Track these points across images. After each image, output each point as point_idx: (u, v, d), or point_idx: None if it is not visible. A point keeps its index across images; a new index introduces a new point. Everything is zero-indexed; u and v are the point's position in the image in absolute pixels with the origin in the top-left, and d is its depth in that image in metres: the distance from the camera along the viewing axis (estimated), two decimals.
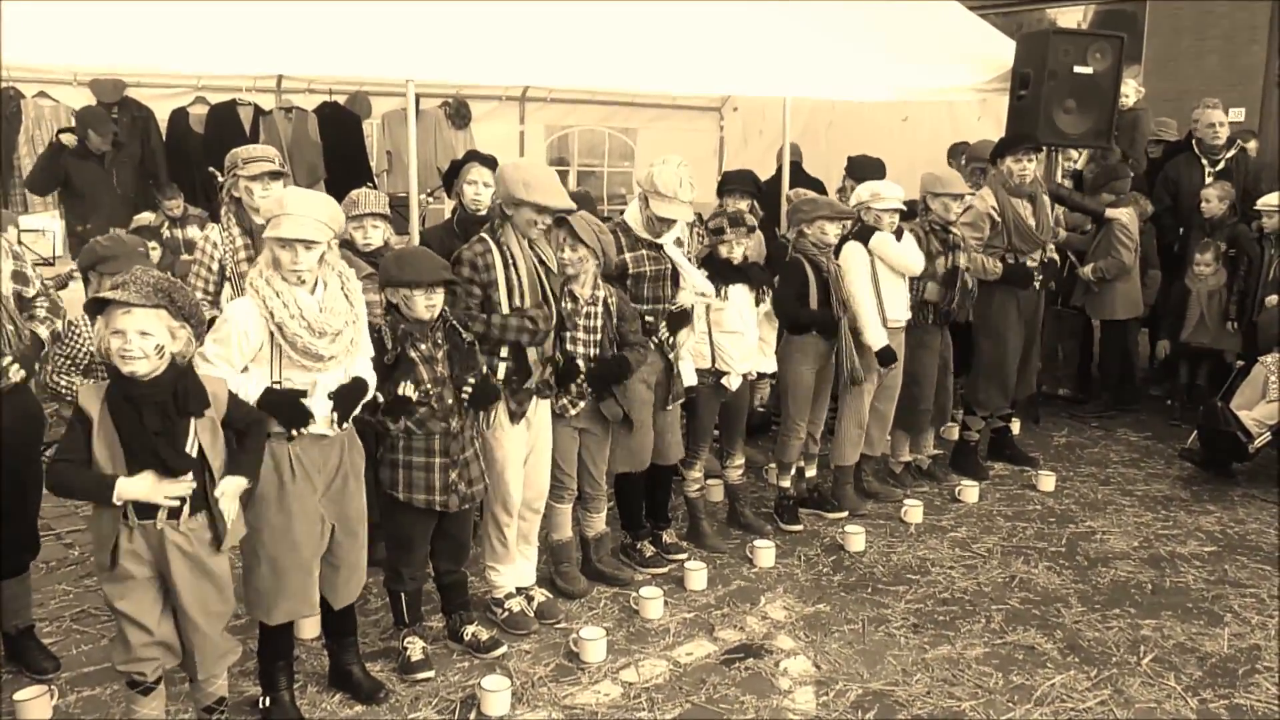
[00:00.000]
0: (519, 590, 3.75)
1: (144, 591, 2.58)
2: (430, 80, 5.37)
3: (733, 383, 4.24)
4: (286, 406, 2.78)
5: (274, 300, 2.75)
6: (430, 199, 6.66)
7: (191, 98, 7.22)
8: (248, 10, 4.57)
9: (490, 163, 4.15)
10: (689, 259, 4.15)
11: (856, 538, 4.38)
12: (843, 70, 6.05)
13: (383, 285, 3.21)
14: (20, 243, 5.49)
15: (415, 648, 3.33)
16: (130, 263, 3.39)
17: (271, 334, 2.76)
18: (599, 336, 3.69)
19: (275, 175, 3.59)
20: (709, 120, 9.40)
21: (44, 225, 5.94)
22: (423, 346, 3.17)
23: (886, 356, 4.52)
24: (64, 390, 3.77)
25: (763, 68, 5.90)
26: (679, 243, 4.14)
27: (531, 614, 3.66)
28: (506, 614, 3.61)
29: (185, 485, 2.52)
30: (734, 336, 4.20)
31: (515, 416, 3.50)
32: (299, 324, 2.76)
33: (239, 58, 4.80)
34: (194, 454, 2.55)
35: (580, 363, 3.65)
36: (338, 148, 7.68)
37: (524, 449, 3.57)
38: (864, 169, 5.86)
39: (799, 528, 4.54)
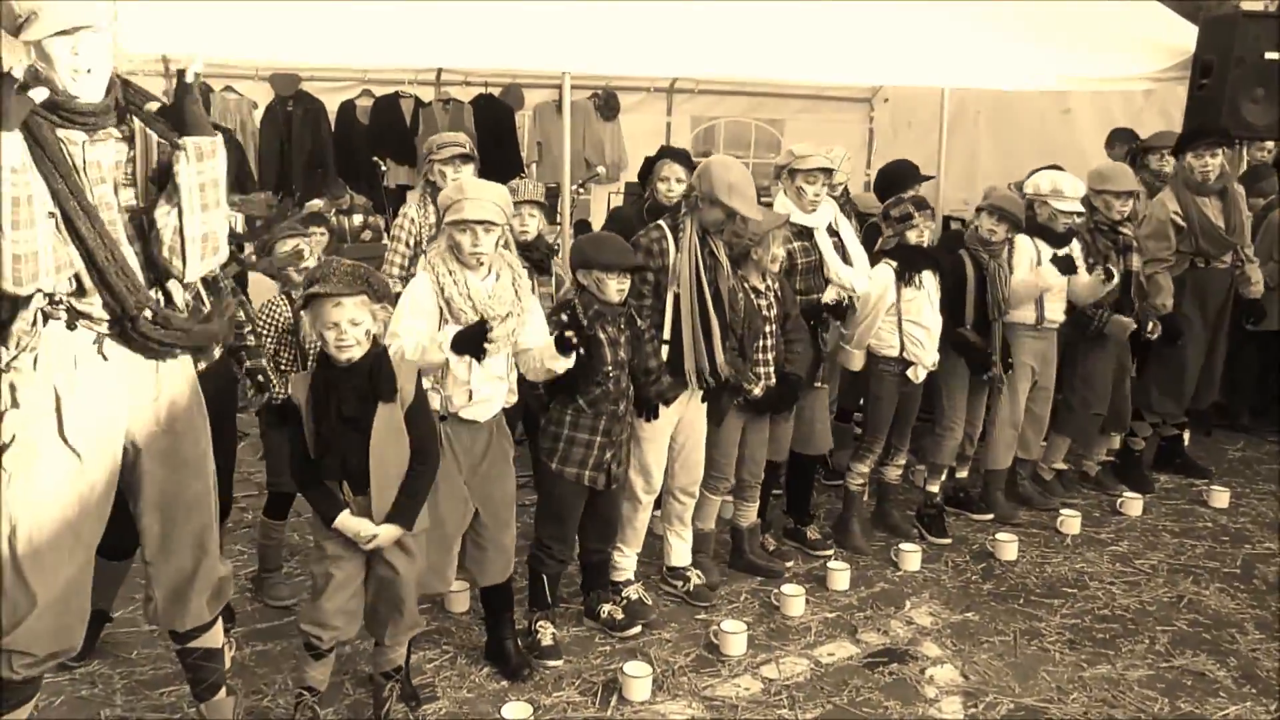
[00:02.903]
0: (674, 571, 3.79)
1: (352, 565, 2.72)
2: (583, 72, 5.46)
3: (919, 375, 4.15)
4: (472, 336, 2.80)
5: (446, 278, 2.87)
6: (580, 190, 6.76)
7: (358, 90, 7.56)
8: (413, 7, 4.76)
9: (682, 158, 4.31)
10: (839, 248, 4.09)
11: (1009, 546, 4.22)
12: (1002, 58, 5.81)
13: (575, 266, 3.31)
14: None
15: (546, 633, 3.38)
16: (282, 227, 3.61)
17: (440, 310, 2.87)
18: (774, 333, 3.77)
19: (465, 159, 3.77)
20: (858, 111, 9.20)
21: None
22: (610, 330, 3.26)
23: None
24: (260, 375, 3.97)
25: (918, 56, 5.73)
26: (832, 231, 4.07)
27: (649, 603, 3.67)
28: (625, 601, 3.62)
29: (388, 533, 2.68)
30: (924, 327, 4.11)
31: (666, 400, 3.52)
32: (466, 303, 2.86)
33: (404, 51, 5.02)
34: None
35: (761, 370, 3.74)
36: (491, 139, 7.88)
37: (669, 432, 3.59)
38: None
39: (947, 541, 4.39)
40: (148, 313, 2.32)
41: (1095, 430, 4.87)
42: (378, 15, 4.72)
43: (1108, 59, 5.97)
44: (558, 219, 6.17)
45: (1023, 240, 4.41)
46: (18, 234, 2.11)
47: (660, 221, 3.55)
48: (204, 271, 2.42)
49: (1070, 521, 4.49)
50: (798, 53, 5.52)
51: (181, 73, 2.30)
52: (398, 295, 3.00)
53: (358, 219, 6.47)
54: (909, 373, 4.14)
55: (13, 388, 2.31)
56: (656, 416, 3.48)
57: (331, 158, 7.37)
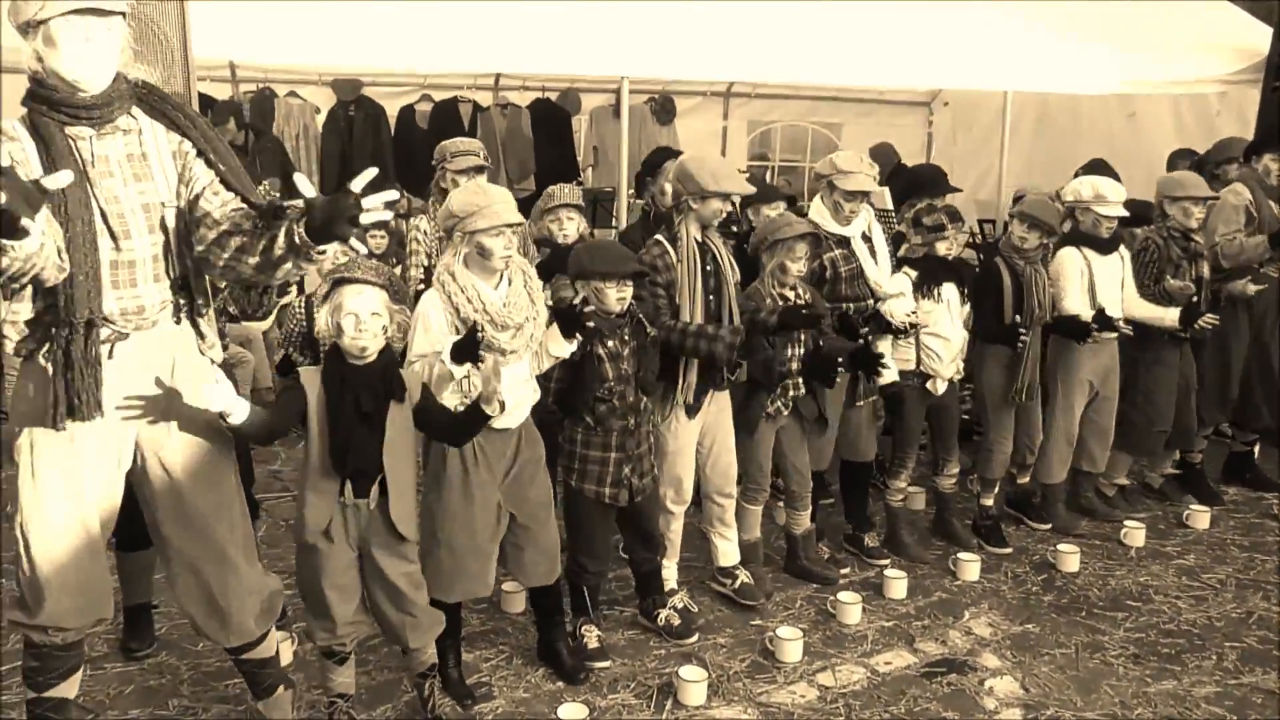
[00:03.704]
0: (724, 570, 3.79)
1: (351, 571, 2.71)
2: (640, 77, 5.48)
3: (938, 387, 4.11)
4: (466, 344, 2.73)
5: (459, 295, 2.81)
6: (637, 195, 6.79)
7: (418, 95, 7.68)
8: (472, 13, 4.83)
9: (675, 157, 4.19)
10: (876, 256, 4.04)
11: (1071, 557, 4.14)
12: (1067, 61, 5.72)
13: (574, 277, 3.23)
14: None
15: (591, 635, 3.38)
16: None
17: (457, 328, 2.81)
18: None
19: (479, 170, 3.73)
20: (917, 115, 9.12)
21: None
22: (611, 343, 3.18)
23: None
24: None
25: (980, 59, 5.66)
26: (866, 238, 4.04)
27: (695, 610, 3.66)
28: (671, 610, 3.59)
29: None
30: (942, 339, 4.06)
31: (691, 411, 3.51)
32: (481, 317, 2.80)
33: (463, 56, 5.09)
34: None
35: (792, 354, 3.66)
36: (548, 143, 7.97)
37: (694, 442, 3.59)
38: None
39: (1007, 550, 4.31)
40: (95, 332, 2.25)
41: (1160, 447, 4.75)
42: (438, 21, 4.80)
43: (1177, 61, 5.86)
44: (613, 221, 6.21)
45: (1069, 253, 4.30)
46: (28, 278, 2.10)
47: (658, 236, 3.49)
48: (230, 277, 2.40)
49: (1134, 533, 4.39)
50: (856, 56, 5.49)
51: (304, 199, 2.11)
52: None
53: (415, 222, 6.55)
54: (929, 385, 4.09)
55: (22, 377, 2.34)
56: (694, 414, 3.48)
57: (391, 162, 7.50)
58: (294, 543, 2.80)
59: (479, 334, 2.74)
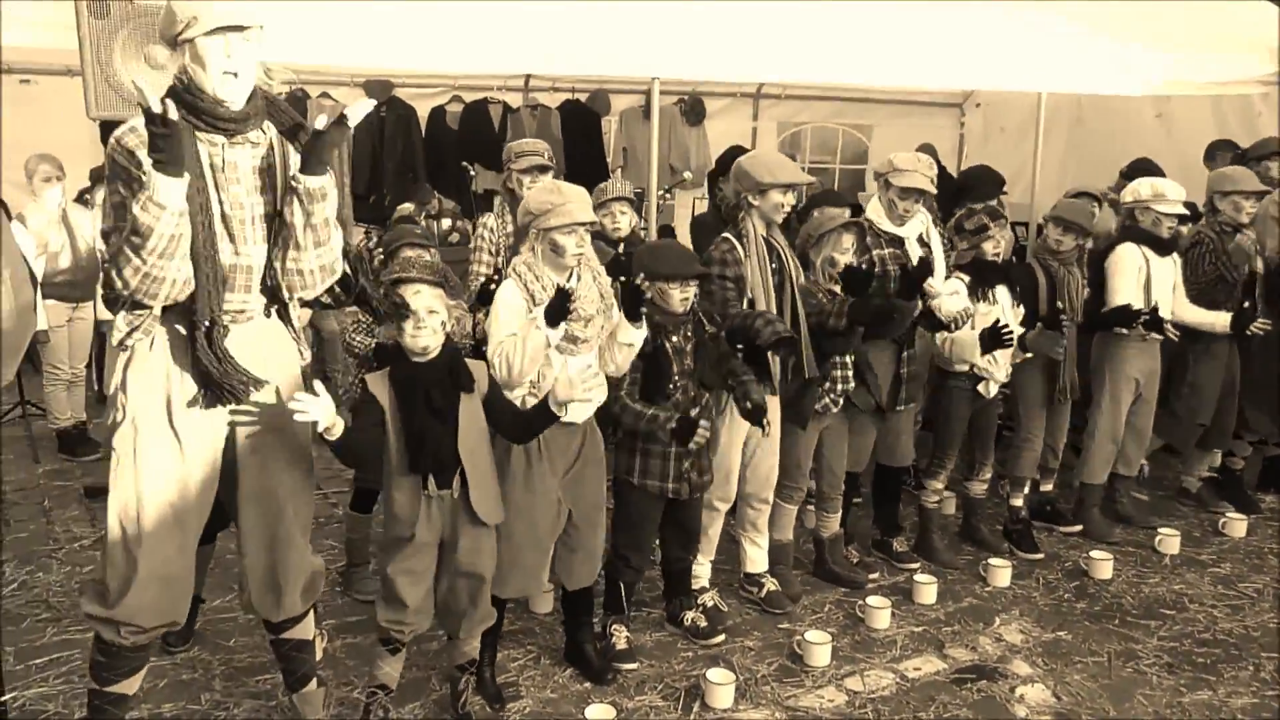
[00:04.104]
0: (750, 578, 3.78)
1: (428, 558, 2.78)
2: (670, 77, 5.46)
3: (990, 390, 4.07)
4: (557, 307, 2.81)
5: (535, 284, 2.90)
6: (666, 196, 6.79)
7: (448, 97, 7.71)
8: (503, 14, 4.84)
9: None
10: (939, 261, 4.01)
11: (1104, 564, 4.09)
12: (1102, 61, 5.64)
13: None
14: None
15: (620, 636, 3.39)
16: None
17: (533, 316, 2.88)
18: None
19: (543, 169, 3.82)
20: (949, 116, 9.05)
21: None
22: (674, 339, 3.24)
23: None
24: (358, 348, 4.09)
25: (1014, 59, 5.60)
26: (923, 242, 4.00)
27: (725, 610, 3.66)
28: (703, 608, 3.60)
29: None
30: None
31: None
32: None
33: (493, 58, 5.10)
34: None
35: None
36: (577, 144, 7.97)
37: (743, 438, 3.58)
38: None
39: (1038, 556, 4.27)
40: (218, 330, 2.37)
41: (1193, 439, 4.69)
42: (468, 22, 4.81)
43: (1215, 61, 5.76)
44: (643, 223, 6.20)
45: (1128, 249, 4.27)
46: (162, 261, 2.23)
47: (725, 234, 3.54)
48: (322, 291, 2.54)
49: (1169, 541, 4.33)
50: (887, 56, 5.44)
51: (343, 117, 2.29)
52: (479, 298, 3.04)
53: (446, 223, 6.60)
54: (980, 388, 4.06)
55: (126, 369, 2.41)
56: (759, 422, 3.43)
57: (422, 163, 7.54)
58: (382, 531, 2.89)
59: (570, 296, 2.81)
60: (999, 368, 4.04)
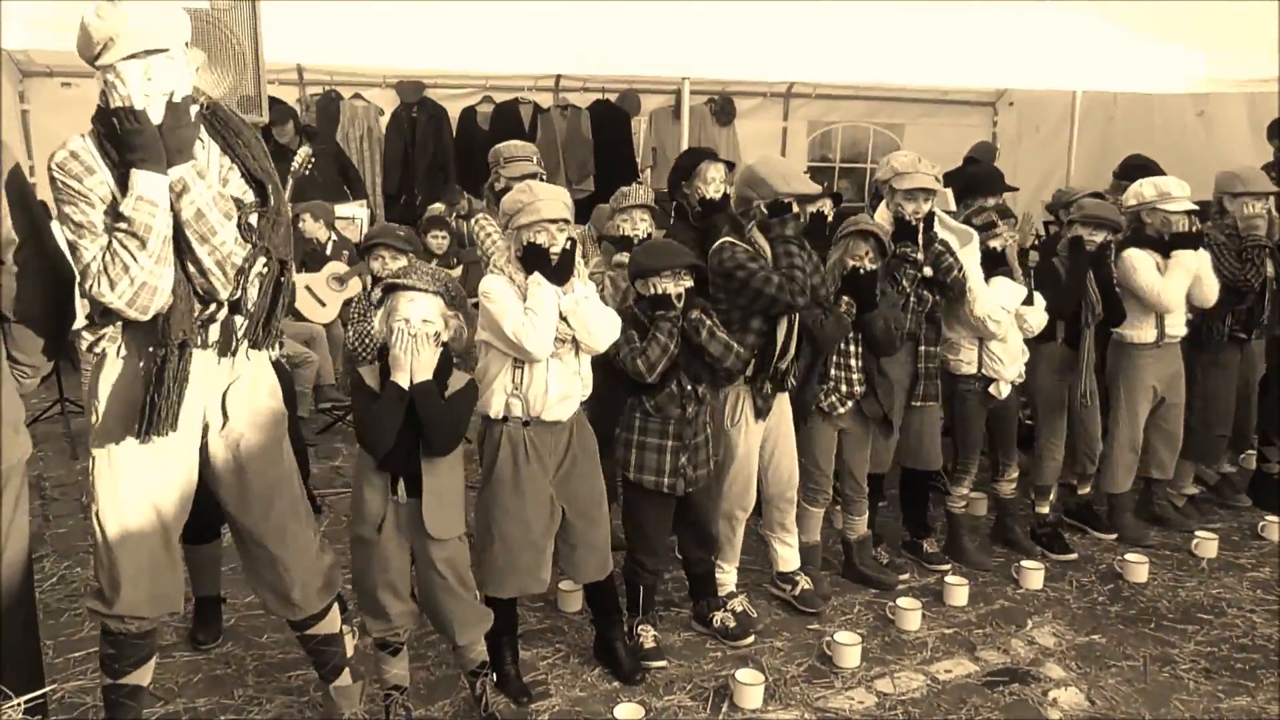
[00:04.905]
0: (783, 576, 3.77)
1: (400, 562, 2.78)
2: (701, 78, 5.47)
3: (1001, 390, 4.03)
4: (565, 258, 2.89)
5: (518, 274, 2.92)
6: None
7: (479, 97, 7.77)
8: (533, 15, 4.86)
9: (712, 156, 3.98)
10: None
11: (1139, 568, 4.04)
12: (1140, 59, 5.58)
13: (633, 278, 3.29)
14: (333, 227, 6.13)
15: (647, 635, 3.38)
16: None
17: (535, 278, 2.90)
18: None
19: (531, 177, 3.80)
20: (981, 115, 8.97)
21: (353, 213, 6.58)
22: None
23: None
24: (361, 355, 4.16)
25: (1049, 57, 5.55)
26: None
27: (754, 614, 3.64)
28: (729, 613, 3.58)
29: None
30: (1003, 341, 3.98)
31: (761, 413, 3.50)
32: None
33: (524, 58, 5.13)
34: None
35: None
36: (607, 144, 8.00)
37: (759, 444, 3.56)
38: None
39: (1071, 556, 4.22)
40: (189, 354, 2.33)
41: (1220, 451, 4.64)
42: (499, 23, 4.84)
43: (1255, 60, 5.67)
44: (670, 222, 6.19)
45: (1136, 253, 4.17)
46: (158, 268, 2.22)
47: (727, 239, 3.42)
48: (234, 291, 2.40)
49: (1206, 544, 4.26)
50: (919, 55, 5.41)
51: (171, 98, 2.21)
52: None
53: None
54: (991, 389, 4.02)
55: (97, 372, 2.42)
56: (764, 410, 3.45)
57: (452, 163, 7.59)
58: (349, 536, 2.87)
59: (576, 248, 2.87)
60: (1006, 367, 3.99)
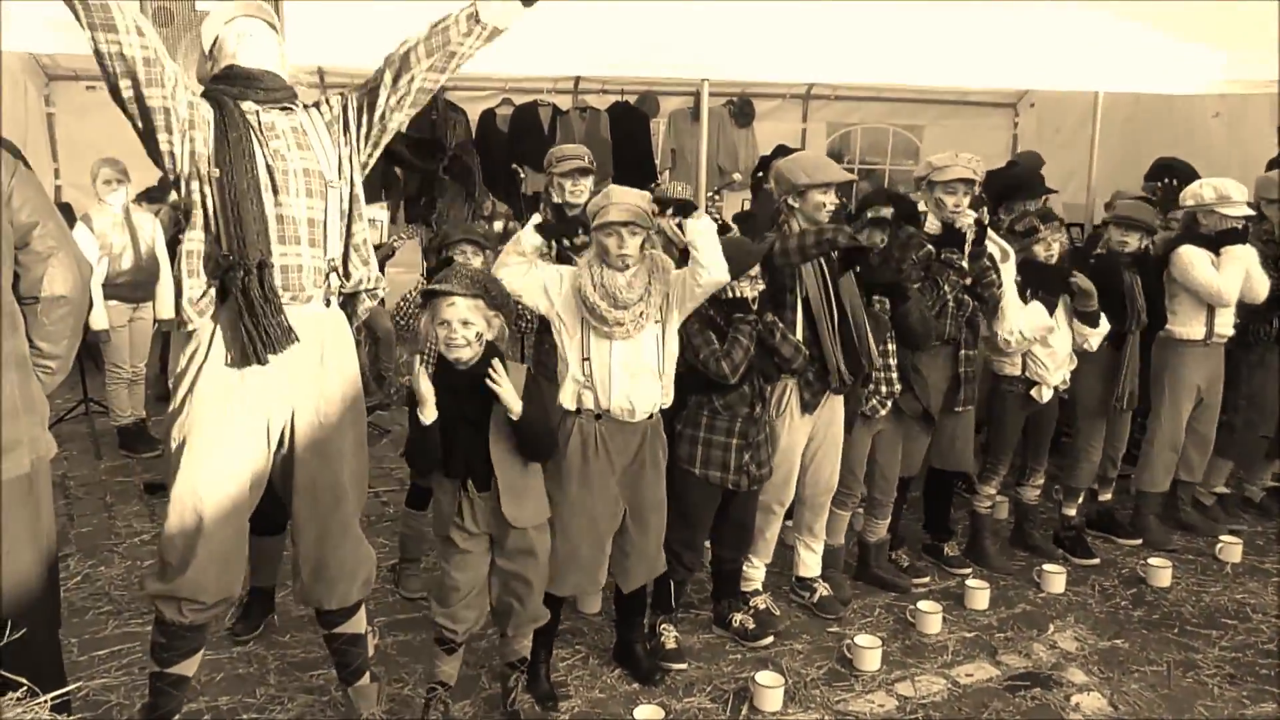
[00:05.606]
0: (802, 582, 3.76)
1: (477, 558, 2.81)
2: (720, 79, 5.46)
3: (1044, 395, 4.01)
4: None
5: (583, 275, 2.94)
6: (715, 197, 6.77)
7: (499, 99, 7.77)
8: (552, 16, 4.87)
9: None
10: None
11: (1162, 572, 4.00)
12: (1163, 59, 5.53)
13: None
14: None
15: (669, 636, 3.38)
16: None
17: (582, 304, 2.93)
18: None
19: (584, 172, 3.82)
20: (1002, 116, 8.92)
21: (374, 215, 6.60)
22: (746, 330, 3.24)
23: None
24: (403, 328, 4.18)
25: (1070, 58, 5.50)
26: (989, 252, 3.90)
27: (777, 613, 3.64)
28: (754, 611, 3.59)
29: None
30: (1048, 346, 3.96)
31: (808, 407, 3.48)
32: (596, 291, 2.91)
33: (544, 60, 5.13)
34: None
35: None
36: (626, 146, 7.98)
37: (805, 440, 3.55)
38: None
39: (1095, 561, 4.19)
40: (268, 270, 2.43)
41: (1261, 453, 4.58)
42: (518, 25, 4.84)
43: (1275, 59, 5.60)
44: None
45: (1190, 250, 4.16)
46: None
47: (767, 234, 3.46)
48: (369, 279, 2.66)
49: (1231, 549, 4.23)
50: (939, 56, 5.38)
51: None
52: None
53: (498, 225, 6.63)
54: (1033, 392, 3.99)
55: (189, 356, 2.50)
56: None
57: (477, 167, 7.59)
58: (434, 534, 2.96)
59: (574, 223, 2.91)
60: (1050, 373, 3.97)
